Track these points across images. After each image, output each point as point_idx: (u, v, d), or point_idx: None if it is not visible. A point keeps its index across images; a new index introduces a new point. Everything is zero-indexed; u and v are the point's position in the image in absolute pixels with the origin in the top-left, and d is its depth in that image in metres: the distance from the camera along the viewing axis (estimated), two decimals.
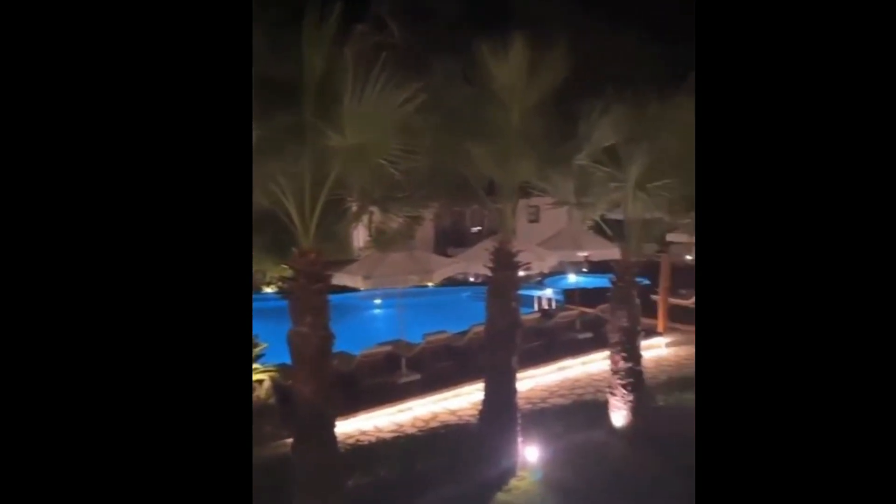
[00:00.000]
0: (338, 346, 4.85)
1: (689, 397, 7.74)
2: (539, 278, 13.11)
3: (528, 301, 11.90)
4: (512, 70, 5.70)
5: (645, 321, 10.44)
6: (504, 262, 6.29)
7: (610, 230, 7.53)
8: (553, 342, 9.49)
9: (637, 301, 7.00)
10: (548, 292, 12.73)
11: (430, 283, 10.00)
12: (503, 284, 6.27)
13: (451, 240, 16.30)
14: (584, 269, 13.77)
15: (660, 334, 10.57)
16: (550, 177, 6.82)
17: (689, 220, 7.27)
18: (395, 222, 6.45)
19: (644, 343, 9.72)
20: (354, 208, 5.88)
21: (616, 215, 7.38)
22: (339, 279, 7.26)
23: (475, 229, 18.89)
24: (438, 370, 8.22)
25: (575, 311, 10.48)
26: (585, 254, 11.80)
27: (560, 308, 11.46)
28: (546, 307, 11.74)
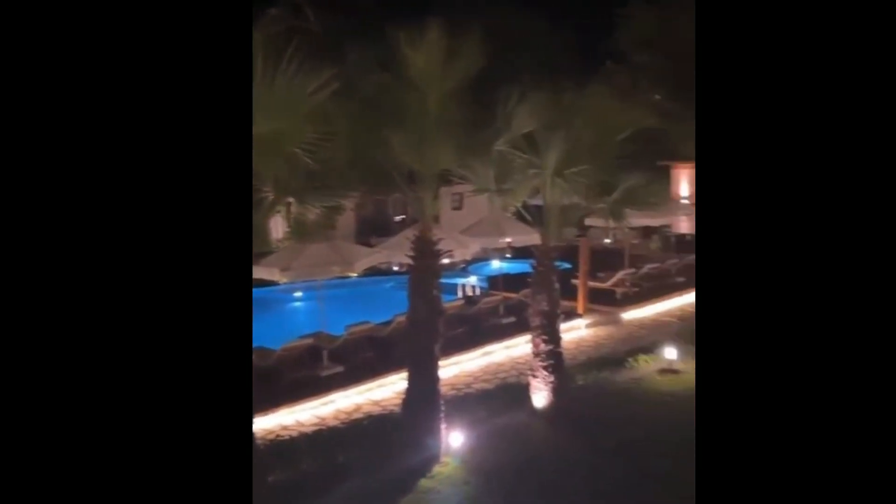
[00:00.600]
0: (256, 342, 4.75)
1: (606, 376, 8.09)
2: (463, 265, 13.26)
3: (453, 288, 12.03)
4: (428, 57, 5.71)
5: (566, 304, 10.79)
6: (425, 250, 6.33)
7: (530, 216, 7.71)
8: (477, 328, 9.64)
9: (556, 285, 7.21)
10: (472, 279, 12.90)
11: (352, 274, 9.92)
12: (424, 273, 6.31)
13: (373, 229, 16.20)
14: (508, 255, 14.03)
15: (580, 316, 10.93)
16: (470, 164, 6.90)
17: (604, 204, 7.55)
18: (314, 213, 6.36)
19: (564, 325, 10.03)
20: (270, 199, 5.75)
21: (536, 201, 7.57)
22: (257, 272, 7.09)
23: (398, 218, 18.85)
24: (361, 361, 8.20)
25: (498, 296, 10.67)
26: (508, 240, 12.04)
27: (484, 294, 11.64)
28: (470, 294, 11.89)
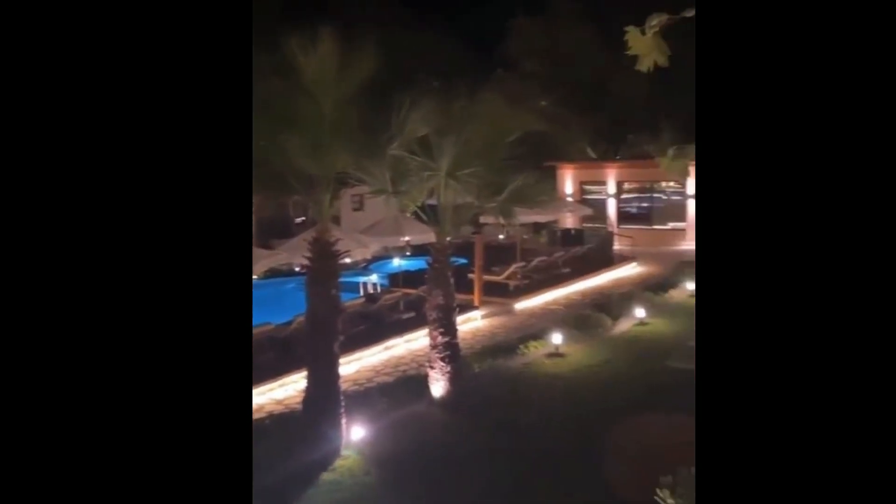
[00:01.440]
0: None
1: (500, 362, 8.32)
2: (365, 264, 13.19)
3: (355, 287, 11.94)
4: (321, 65, 5.65)
5: (463, 297, 11.00)
6: (322, 251, 6.26)
7: (426, 215, 7.81)
8: (378, 324, 9.63)
9: (451, 280, 7.34)
10: (373, 277, 12.86)
11: (252, 276, 9.62)
12: (322, 273, 6.24)
13: (273, 231, 15.78)
14: (408, 253, 14.10)
15: (476, 308, 11.17)
16: (366, 167, 6.89)
17: (495, 203, 7.77)
18: None
19: (461, 317, 10.23)
20: None
21: (433, 201, 7.67)
22: None
23: (299, 220, 18.47)
24: (262, 361, 7.98)
25: (398, 293, 10.71)
26: (407, 238, 12.10)
27: (384, 291, 11.64)
28: (371, 291, 11.87)
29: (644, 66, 2.27)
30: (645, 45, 2.23)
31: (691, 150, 2.37)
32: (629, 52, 2.26)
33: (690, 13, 2.03)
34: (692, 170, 2.04)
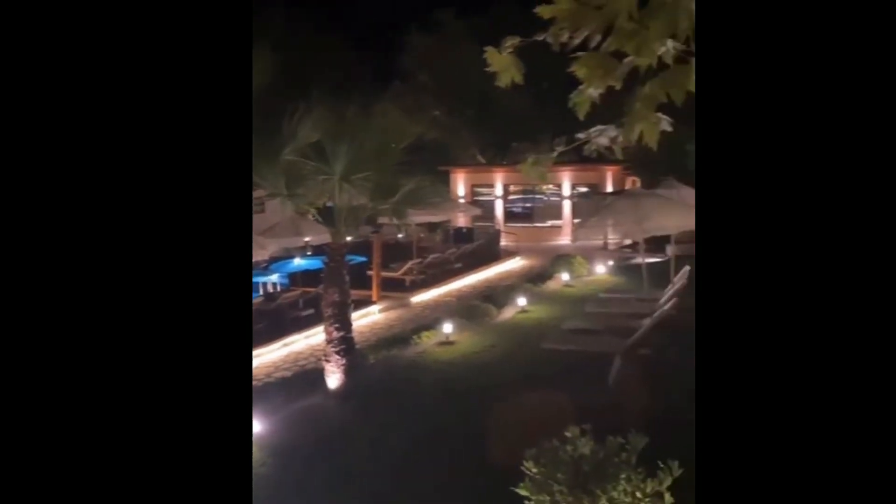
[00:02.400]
0: None
1: (395, 353, 8.33)
2: (265, 265, 12.73)
3: (256, 287, 11.50)
4: None
5: (363, 293, 10.90)
6: None
7: (323, 217, 7.66)
8: (279, 321, 9.34)
9: (347, 278, 7.25)
10: (273, 277, 12.44)
11: None
12: None
13: None
14: (309, 253, 13.76)
15: (374, 303, 11.10)
16: (261, 171, 6.65)
17: (389, 205, 7.76)
18: None
19: (360, 312, 10.16)
20: None
21: (331, 203, 7.53)
22: None
23: None
24: None
25: (297, 291, 10.43)
26: (307, 239, 11.80)
27: (284, 290, 11.30)
28: (271, 290, 11.48)
29: (502, 82, 2.35)
30: (502, 64, 2.31)
31: (548, 158, 2.49)
32: (488, 69, 2.34)
33: (541, 37, 2.13)
34: (550, 175, 2.11)
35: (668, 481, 2.88)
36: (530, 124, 21.58)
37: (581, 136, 2.38)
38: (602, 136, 2.35)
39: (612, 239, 16.49)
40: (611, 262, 14.50)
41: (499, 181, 21.58)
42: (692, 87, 2.19)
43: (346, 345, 7.04)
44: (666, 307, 7.21)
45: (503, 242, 18.40)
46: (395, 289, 11.95)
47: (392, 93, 22.44)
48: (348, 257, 7.75)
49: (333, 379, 6.94)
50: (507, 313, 10.47)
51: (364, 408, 6.56)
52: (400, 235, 18.63)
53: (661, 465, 2.92)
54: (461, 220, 19.72)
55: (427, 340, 8.80)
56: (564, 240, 18.76)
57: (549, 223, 21.08)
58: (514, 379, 7.03)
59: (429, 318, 9.97)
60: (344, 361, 6.96)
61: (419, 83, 24.48)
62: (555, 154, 2.52)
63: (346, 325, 7.13)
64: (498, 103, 23.22)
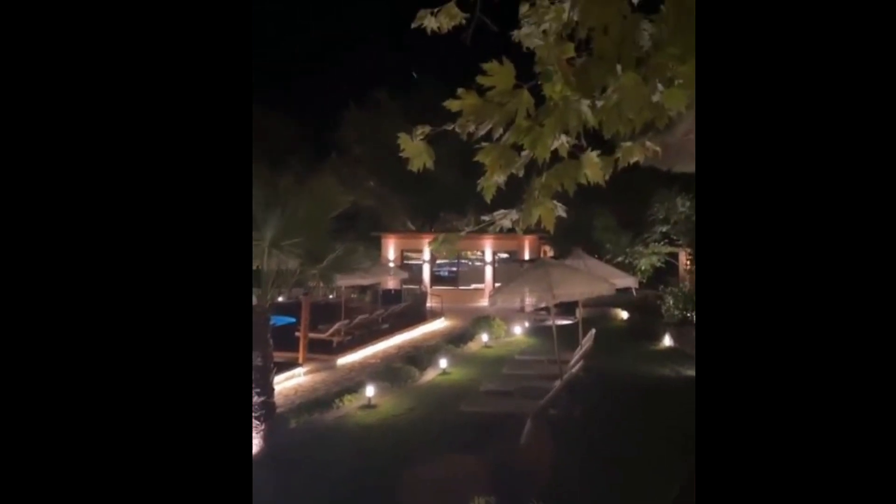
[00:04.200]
0: None
1: (317, 416, 7.86)
2: None
3: None
4: None
5: (289, 355, 10.37)
6: None
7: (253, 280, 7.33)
8: None
9: (270, 341, 6.88)
10: None
11: None
12: None
13: None
14: None
15: (300, 365, 10.58)
16: None
17: (317, 269, 7.56)
18: None
19: (285, 375, 9.63)
20: None
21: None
22: None
23: None
24: None
25: None
26: None
27: None
28: None
29: (414, 167, 2.35)
30: (414, 150, 2.32)
31: (456, 237, 2.48)
32: (402, 155, 2.34)
33: (451, 126, 2.16)
34: (475, 243, 2.01)
35: None
36: (457, 195, 22.17)
37: (486, 218, 2.41)
38: (505, 219, 2.38)
39: (528, 302, 16.80)
40: (526, 324, 14.69)
41: (426, 246, 21.75)
42: (582, 179, 2.27)
43: (266, 409, 6.58)
44: (574, 369, 7.28)
45: (429, 304, 18.32)
46: (322, 350, 11.48)
47: (329, 164, 22.50)
48: (277, 319, 7.41)
49: (253, 444, 6.42)
50: (429, 375, 10.24)
51: (281, 473, 6.07)
52: (330, 296, 18.17)
53: None
54: (390, 283, 19.56)
55: (349, 404, 8.40)
56: (485, 302, 18.94)
57: (473, 286, 21.31)
58: (432, 442, 6.77)
59: (353, 381, 9.57)
60: (264, 427, 6.48)
61: (355, 156, 24.72)
62: (462, 234, 2.53)
63: (267, 389, 6.69)
64: (427, 175, 23.78)
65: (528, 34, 2.11)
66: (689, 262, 18.55)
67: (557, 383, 6.92)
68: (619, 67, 1.94)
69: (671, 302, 13.48)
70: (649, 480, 4.99)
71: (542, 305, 15.47)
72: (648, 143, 2.44)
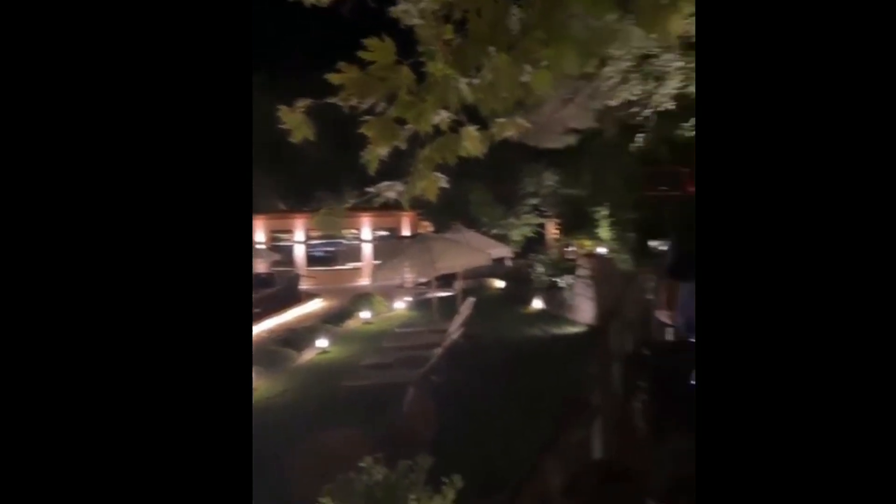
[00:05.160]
0: None
1: None
2: None
3: None
4: None
5: None
6: None
7: None
8: None
9: None
10: None
11: None
12: None
13: None
14: None
15: None
16: None
17: None
18: None
19: None
20: None
21: None
22: None
23: None
24: None
25: None
26: None
27: None
28: None
29: (295, 138, 2.39)
30: (294, 122, 2.35)
31: (341, 211, 2.57)
32: (282, 126, 2.37)
33: (333, 99, 2.23)
34: (352, 221, 2.08)
35: (451, 494, 3.06)
36: (331, 173, 21.70)
37: (371, 189, 2.53)
38: (390, 191, 2.52)
39: (409, 277, 17.15)
40: (407, 299, 15.03)
41: (300, 227, 21.12)
42: (462, 152, 2.48)
43: None
44: (454, 336, 7.69)
45: (304, 286, 17.94)
46: None
47: None
48: None
49: None
50: (308, 355, 10.15)
51: None
52: None
53: (446, 481, 3.09)
54: (260, 266, 18.78)
55: None
56: (365, 281, 18.97)
57: (351, 265, 21.16)
58: (311, 418, 6.82)
59: None
60: None
61: None
62: (346, 207, 2.63)
63: None
64: (299, 154, 22.92)
65: (405, 11, 2.24)
66: (556, 231, 20.09)
67: (438, 351, 7.28)
68: (492, 49, 2.15)
69: (540, 269, 14.59)
70: (518, 433, 5.53)
71: (424, 280, 15.90)
72: (520, 120, 2.71)
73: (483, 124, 2.61)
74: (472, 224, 18.27)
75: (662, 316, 3.14)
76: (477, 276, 16.91)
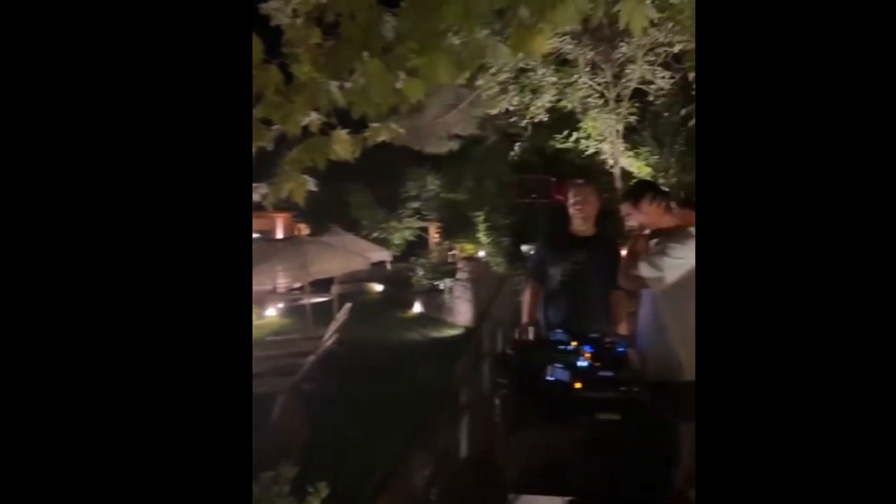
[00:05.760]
0: None
1: None
2: None
3: None
4: None
5: None
6: None
7: None
8: None
9: None
10: None
11: None
12: None
13: None
14: None
15: None
16: None
17: None
18: None
19: None
20: None
21: None
22: None
23: None
24: None
25: None
26: None
27: None
28: None
29: None
30: None
31: None
32: None
33: None
34: None
35: (316, 502, 3.06)
36: None
37: None
38: (255, 193, 2.48)
39: (281, 282, 16.57)
40: (280, 305, 14.53)
41: None
42: (332, 155, 2.50)
43: None
44: (329, 342, 7.60)
45: None
46: None
47: None
48: None
49: None
50: None
51: None
52: None
53: (311, 490, 3.08)
54: None
55: None
56: None
57: None
58: None
59: None
60: None
61: None
62: None
63: None
64: None
65: (276, 9, 2.23)
66: (437, 235, 20.56)
67: (311, 359, 7.16)
68: (365, 54, 2.21)
69: (420, 273, 14.85)
70: (389, 436, 5.61)
71: (298, 284, 15.45)
72: (394, 126, 2.79)
73: (357, 127, 2.66)
74: (352, 227, 18.12)
75: (525, 315, 3.40)
76: (355, 280, 16.78)
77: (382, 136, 2.75)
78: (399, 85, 2.31)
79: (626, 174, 10.24)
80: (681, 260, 2.32)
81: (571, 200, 3.25)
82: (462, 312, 12.18)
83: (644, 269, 2.37)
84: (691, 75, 7.61)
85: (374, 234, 19.15)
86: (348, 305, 9.33)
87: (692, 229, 2.44)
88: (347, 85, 2.28)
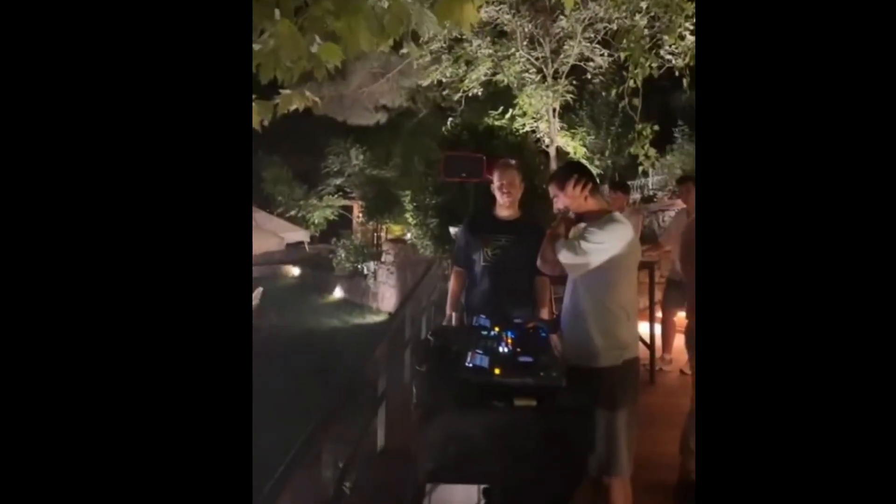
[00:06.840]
0: None
1: None
2: None
3: None
4: None
5: None
6: None
7: None
8: None
9: None
10: None
11: None
12: None
13: None
14: None
15: None
16: None
17: None
18: None
19: None
20: None
21: None
22: None
23: None
24: None
25: None
26: None
27: None
28: None
29: None
30: None
31: None
32: None
33: None
34: None
35: None
36: None
37: None
38: None
39: None
40: None
41: None
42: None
43: None
44: None
45: None
46: None
47: None
48: None
49: None
50: None
51: None
52: None
53: None
54: None
55: None
56: None
57: None
58: None
59: None
60: None
61: None
62: None
63: None
64: None
65: None
66: (360, 215, 20.34)
67: None
68: (277, 12, 2.16)
69: (343, 255, 14.68)
70: (300, 426, 5.57)
71: None
72: (308, 93, 2.74)
73: (268, 94, 2.60)
74: (265, 204, 17.55)
75: (448, 301, 3.47)
76: (268, 262, 16.36)
77: (296, 104, 2.69)
78: (315, 49, 2.27)
79: (563, 154, 10.55)
80: (600, 245, 2.41)
81: (496, 182, 3.31)
82: (387, 298, 12.21)
83: (562, 255, 2.45)
84: (623, 55, 7.92)
85: (291, 213, 18.62)
86: (260, 290, 9.12)
87: (617, 214, 2.56)
88: (256, 46, 2.22)
